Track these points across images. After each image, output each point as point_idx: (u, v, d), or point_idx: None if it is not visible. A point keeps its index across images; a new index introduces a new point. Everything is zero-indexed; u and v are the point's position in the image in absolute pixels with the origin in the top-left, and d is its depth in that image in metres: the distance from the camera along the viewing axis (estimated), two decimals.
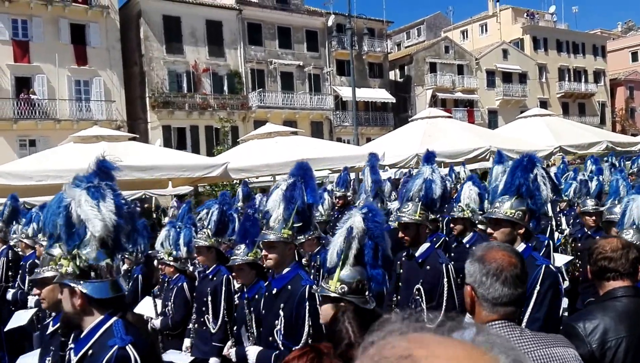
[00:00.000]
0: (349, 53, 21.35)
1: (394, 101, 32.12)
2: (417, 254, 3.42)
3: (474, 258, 1.71)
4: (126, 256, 5.68)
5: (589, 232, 5.14)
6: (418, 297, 3.31)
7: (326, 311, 2.27)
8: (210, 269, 4.02)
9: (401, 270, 3.51)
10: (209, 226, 3.94)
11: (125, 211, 2.02)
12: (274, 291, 2.93)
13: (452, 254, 4.88)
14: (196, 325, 4.02)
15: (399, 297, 3.43)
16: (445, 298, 3.24)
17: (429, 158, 3.83)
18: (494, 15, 40.51)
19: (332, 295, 2.24)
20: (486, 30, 41.29)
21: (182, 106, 25.61)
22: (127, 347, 1.83)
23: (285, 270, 2.93)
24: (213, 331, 3.86)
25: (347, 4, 21.09)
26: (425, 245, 3.46)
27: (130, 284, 5.47)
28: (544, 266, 2.68)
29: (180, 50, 25.87)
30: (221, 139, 21.55)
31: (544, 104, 35.58)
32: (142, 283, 5.17)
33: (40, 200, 12.52)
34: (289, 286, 2.88)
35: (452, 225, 4.91)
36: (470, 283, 1.68)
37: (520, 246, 2.78)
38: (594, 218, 5.08)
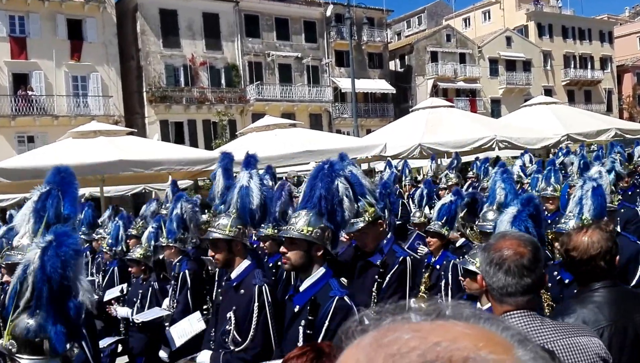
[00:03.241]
0: (348, 43, 20.98)
1: (394, 91, 31.72)
2: (233, 276, 2.90)
3: (483, 247, 1.72)
4: (104, 249, 5.74)
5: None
6: (229, 327, 2.77)
7: None
8: None
9: (220, 298, 2.99)
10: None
11: None
12: None
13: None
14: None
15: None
16: (253, 327, 2.68)
17: (249, 162, 3.16)
18: (497, 2, 39.81)
19: None
20: (489, 17, 40.68)
21: (180, 100, 25.36)
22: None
23: None
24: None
25: None
26: (244, 264, 2.90)
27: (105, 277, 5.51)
28: (336, 298, 2.32)
29: (177, 44, 25.58)
30: (219, 133, 21.29)
31: (548, 92, 35.10)
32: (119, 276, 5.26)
33: None
34: None
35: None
36: (480, 272, 1.71)
37: (320, 271, 2.43)
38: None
